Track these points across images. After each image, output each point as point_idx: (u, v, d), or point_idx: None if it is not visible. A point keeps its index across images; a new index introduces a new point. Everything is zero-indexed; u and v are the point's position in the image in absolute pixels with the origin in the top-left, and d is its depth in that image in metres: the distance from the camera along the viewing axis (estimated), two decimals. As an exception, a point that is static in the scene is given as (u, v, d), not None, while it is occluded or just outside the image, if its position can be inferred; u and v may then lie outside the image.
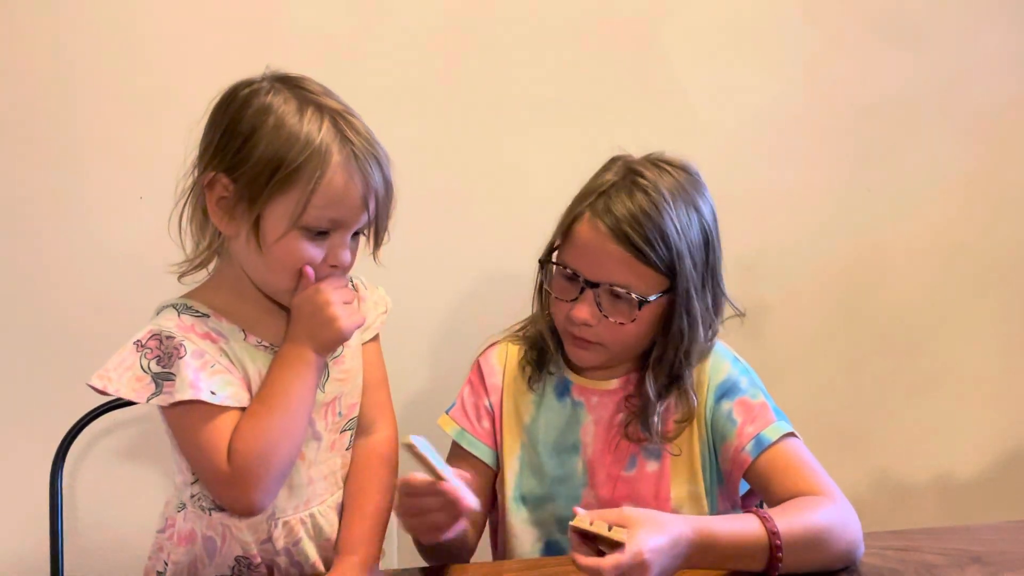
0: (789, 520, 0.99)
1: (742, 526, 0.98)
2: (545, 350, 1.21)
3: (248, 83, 1.01)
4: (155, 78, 1.48)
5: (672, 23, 1.63)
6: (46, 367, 1.52)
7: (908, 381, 1.85)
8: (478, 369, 1.26)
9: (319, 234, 0.99)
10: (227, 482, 0.99)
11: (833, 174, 1.75)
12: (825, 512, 1.02)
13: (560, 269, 1.14)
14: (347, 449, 1.13)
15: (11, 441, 1.52)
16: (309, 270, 1.01)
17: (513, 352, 1.25)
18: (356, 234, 1.04)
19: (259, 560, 1.07)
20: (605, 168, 1.16)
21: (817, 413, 1.73)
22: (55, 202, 1.49)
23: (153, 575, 1.11)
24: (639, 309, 1.10)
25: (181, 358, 0.98)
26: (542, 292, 1.20)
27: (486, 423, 1.22)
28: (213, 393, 0.98)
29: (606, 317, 1.11)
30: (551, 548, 1.20)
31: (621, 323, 1.11)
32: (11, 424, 1.52)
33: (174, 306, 1.04)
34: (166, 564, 1.09)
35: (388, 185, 1.02)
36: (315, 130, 0.96)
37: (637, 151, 1.18)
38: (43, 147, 1.48)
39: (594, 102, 1.63)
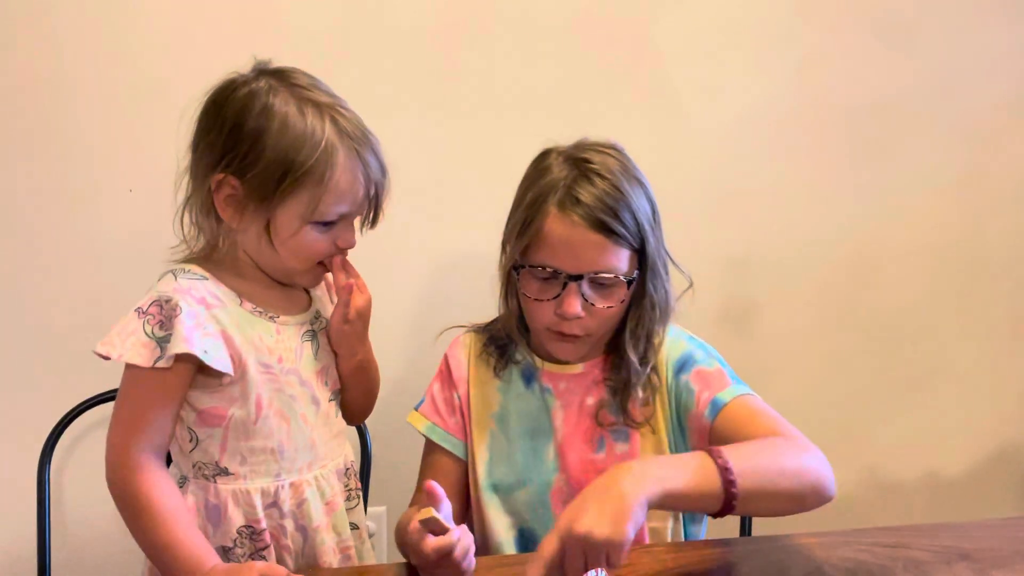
0: (733, 447, 0.98)
1: (679, 453, 1.01)
2: (509, 342, 1.22)
3: (243, 81, 1.03)
4: (145, 71, 1.47)
5: (666, 23, 1.63)
6: (34, 360, 1.51)
7: (898, 379, 1.85)
8: (446, 363, 1.26)
9: (328, 223, 1.05)
10: (111, 449, 1.00)
11: (825, 174, 1.75)
12: (779, 441, 1.03)
13: (536, 271, 1.13)
14: (337, 417, 1.16)
15: (-2, 435, 1.51)
16: (329, 278, 1.13)
17: (477, 342, 1.26)
18: None
19: (263, 526, 1.06)
20: (541, 165, 1.15)
21: (807, 411, 1.71)
22: (44, 195, 1.48)
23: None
24: (628, 288, 1.12)
25: (177, 317, 0.99)
26: (508, 298, 1.20)
27: (456, 417, 1.23)
28: (206, 352, 0.99)
29: (592, 305, 1.12)
30: (524, 535, 1.20)
31: (609, 307, 1.12)
32: (-2, 418, 1.51)
33: (172, 272, 1.06)
34: None
35: (384, 168, 1.07)
36: (319, 131, 1.01)
37: (627, 150, 1.17)
38: (32, 141, 1.47)
39: (588, 101, 1.62)
